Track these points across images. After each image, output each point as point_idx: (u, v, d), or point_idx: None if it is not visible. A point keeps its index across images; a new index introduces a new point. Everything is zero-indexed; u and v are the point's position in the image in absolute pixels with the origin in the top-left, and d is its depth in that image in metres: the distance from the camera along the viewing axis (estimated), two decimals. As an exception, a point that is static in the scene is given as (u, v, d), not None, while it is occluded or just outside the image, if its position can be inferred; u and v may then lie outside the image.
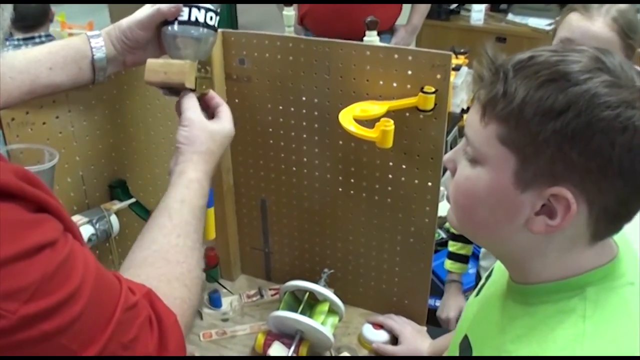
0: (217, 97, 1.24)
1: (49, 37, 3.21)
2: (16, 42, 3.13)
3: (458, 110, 2.59)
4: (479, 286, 1.16)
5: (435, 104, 1.31)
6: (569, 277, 0.86)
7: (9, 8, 0.77)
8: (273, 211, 1.68)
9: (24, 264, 0.63)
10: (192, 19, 1.15)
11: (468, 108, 2.64)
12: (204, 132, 1.14)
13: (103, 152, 1.34)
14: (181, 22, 1.15)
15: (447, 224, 2.42)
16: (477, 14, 4.88)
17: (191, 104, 1.17)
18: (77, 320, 0.68)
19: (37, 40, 3.14)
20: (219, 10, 1.19)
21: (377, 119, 1.28)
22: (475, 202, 0.87)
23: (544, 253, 0.86)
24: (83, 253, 0.73)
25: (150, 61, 1.17)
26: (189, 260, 1.00)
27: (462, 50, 2.97)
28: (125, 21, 1.18)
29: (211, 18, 1.18)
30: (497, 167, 0.82)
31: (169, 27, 1.16)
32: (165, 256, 0.97)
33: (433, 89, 1.29)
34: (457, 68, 2.69)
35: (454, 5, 5.01)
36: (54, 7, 3.34)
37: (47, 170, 1.05)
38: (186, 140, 1.13)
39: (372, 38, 2.41)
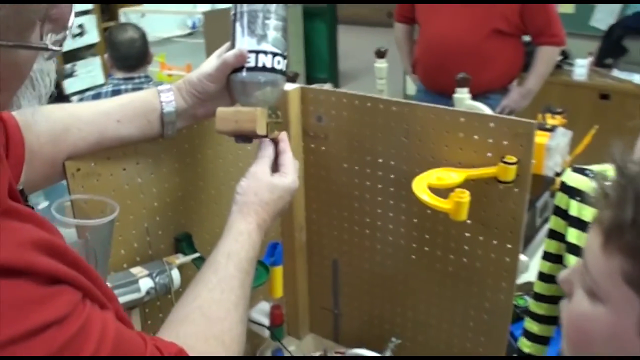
0: (281, 144, 1.21)
1: (147, 78, 3.29)
2: (116, 81, 3.24)
3: (551, 174, 2.47)
4: None
5: (517, 175, 1.24)
6: None
7: (52, 73, 0.75)
8: (344, 272, 1.63)
9: (25, 346, 0.61)
10: (260, 64, 1.14)
11: (562, 171, 2.53)
12: (261, 183, 1.12)
13: (170, 204, 1.33)
14: (249, 69, 1.14)
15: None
16: (581, 69, 4.74)
17: (262, 153, 1.16)
18: None
19: (137, 80, 3.23)
20: (286, 54, 1.17)
21: (453, 189, 1.22)
22: (591, 344, 0.74)
23: None
24: (102, 319, 0.71)
25: (221, 110, 1.16)
26: (231, 316, 0.97)
27: (558, 110, 2.85)
28: (195, 74, 1.17)
29: (279, 62, 1.16)
30: (619, 310, 0.69)
31: (237, 75, 1.15)
32: (207, 313, 0.95)
33: (514, 159, 1.22)
34: (552, 129, 2.58)
35: (557, 59, 4.88)
36: (153, 50, 3.43)
37: (105, 224, 1.04)
38: (241, 189, 1.12)
39: (462, 96, 2.35)
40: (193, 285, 1.00)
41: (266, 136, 1.16)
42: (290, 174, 1.16)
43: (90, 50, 5.85)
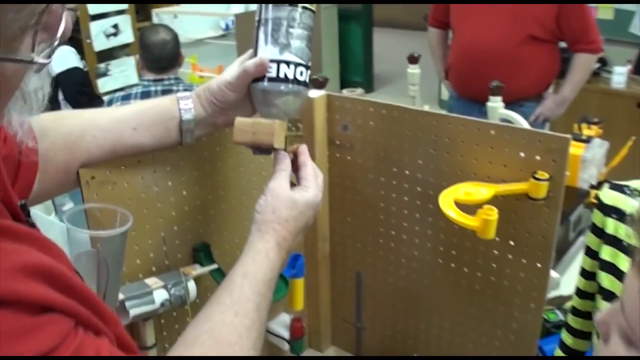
0: (302, 157, 1.15)
1: (177, 80, 3.28)
2: (146, 83, 3.23)
3: (586, 186, 2.40)
4: None
5: (549, 192, 1.18)
6: None
7: (46, 87, 0.72)
8: (368, 285, 1.59)
9: None
10: (281, 75, 1.09)
11: (599, 183, 2.45)
12: (280, 200, 1.06)
13: (188, 214, 1.29)
14: (270, 79, 1.09)
15: (566, 304, 2.23)
16: (619, 76, 4.64)
17: (279, 167, 1.10)
18: None
19: (166, 82, 3.22)
20: (310, 64, 1.12)
21: (481, 206, 1.17)
22: None
23: None
24: (95, 347, 0.67)
25: (239, 120, 1.12)
26: (243, 341, 0.93)
27: (595, 120, 2.77)
28: (215, 82, 1.13)
29: (301, 73, 1.11)
30: None
31: (258, 85, 1.11)
32: (217, 337, 0.91)
33: (547, 176, 1.17)
34: (588, 140, 2.50)
35: (595, 66, 4.78)
36: (185, 51, 3.41)
37: (118, 235, 1.00)
38: (260, 207, 1.06)
39: (495, 104, 2.30)
40: (207, 306, 0.96)
41: (285, 150, 1.12)
42: (312, 188, 1.10)
43: (124, 50, 5.86)
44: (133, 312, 1.14)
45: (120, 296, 1.12)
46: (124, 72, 5.54)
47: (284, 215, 1.05)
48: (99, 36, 5.57)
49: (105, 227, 1.08)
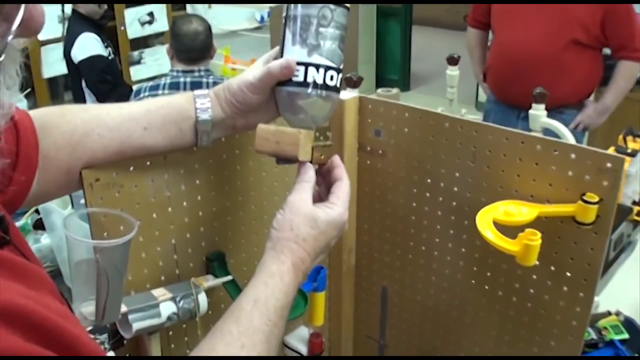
0: (337, 170, 1.04)
1: (208, 72, 3.20)
2: (175, 73, 3.15)
3: (629, 202, 2.28)
4: None
5: (597, 216, 1.07)
6: None
7: (15, 64, 0.63)
8: (394, 302, 1.49)
9: None
10: (309, 79, 0.98)
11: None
12: (299, 216, 0.95)
13: (203, 220, 1.20)
14: (297, 84, 0.99)
15: (599, 323, 2.12)
16: (664, 87, 4.46)
17: (302, 178, 1.00)
18: None
19: (196, 74, 3.15)
20: (341, 67, 1.01)
21: (522, 228, 1.07)
22: None
23: None
24: None
25: (261, 127, 1.01)
26: None
27: (640, 133, 2.65)
28: (236, 82, 1.02)
29: (332, 77, 1.00)
30: None
31: (283, 89, 1.00)
32: None
33: (596, 198, 1.06)
34: (632, 154, 2.38)
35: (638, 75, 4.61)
36: (217, 42, 3.33)
37: (120, 245, 0.91)
38: (277, 224, 0.96)
39: (538, 112, 2.18)
40: (211, 334, 0.86)
41: (310, 162, 1.02)
42: (339, 206, 0.99)
43: (159, 38, 5.85)
44: (136, 325, 1.05)
45: (124, 308, 1.03)
46: (157, 60, 5.51)
47: (303, 234, 0.94)
48: (133, 23, 5.55)
49: (110, 233, 1.00)
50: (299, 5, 0.98)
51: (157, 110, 1.01)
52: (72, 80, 4.39)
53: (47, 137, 0.93)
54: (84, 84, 4.20)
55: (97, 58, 4.07)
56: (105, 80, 4.11)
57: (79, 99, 4.27)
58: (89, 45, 4.06)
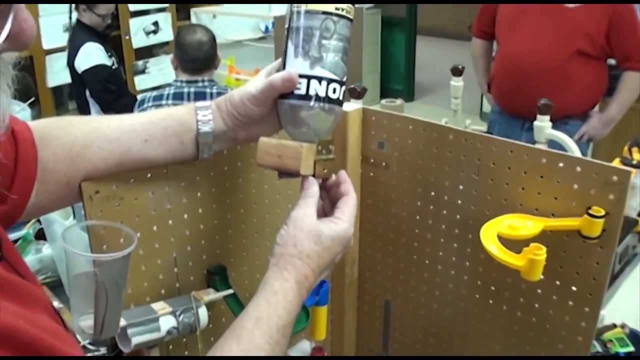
0: (344, 185, 1.03)
1: (212, 83, 3.19)
2: (179, 83, 3.14)
3: (634, 214, 2.26)
4: None
5: (604, 230, 1.06)
6: None
7: (7, 77, 0.62)
8: (397, 316, 1.47)
9: None
10: (312, 92, 0.97)
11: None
12: (303, 232, 0.93)
13: (204, 233, 1.19)
14: (299, 97, 0.97)
15: (604, 336, 2.11)
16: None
17: (306, 193, 0.98)
18: None
19: (200, 84, 3.14)
20: (344, 79, 1.00)
21: (527, 242, 1.05)
22: None
23: None
24: None
25: (263, 141, 1.00)
26: None
27: (647, 144, 2.63)
28: (237, 94, 1.01)
29: (334, 90, 0.98)
30: None
31: (285, 102, 0.99)
32: None
33: (602, 212, 1.04)
34: (638, 165, 2.36)
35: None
36: (222, 52, 3.33)
37: (119, 258, 0.90)
38: (281, 239, 0.94)
39: (542, 124, 2.16)
40: (212, 351, 0.85)
41: (313, 176, 1.00)
42: (344, 221, 0.97)
43: (163, 48, 5.85)
44: (135, 340, 1.04)
45: (123, 322, 1.02)
46: (161, 70, 5.52)
47: (307, 250, 0.92)
48: (138, 33, 5.56)
49: (109, 246, 0.99)
50: (302, 16, 0.96)
51: (158, 122, 1.00)
52: (75, 90, 4.39)
53: (46, 148, 0.92)
54: (88, 93, 4.20)
55: (100, 68, 4.07)
56: (109, 90, 4.11)
57: (83, 108, 4.27)
58: (92, 55, 4.06)
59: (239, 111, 1.00)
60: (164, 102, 3.09)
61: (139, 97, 3.34)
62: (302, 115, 0.98)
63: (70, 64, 4.20)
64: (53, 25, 4.88)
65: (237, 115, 1.01)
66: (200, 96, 3.08)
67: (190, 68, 3.16)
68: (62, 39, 4.81)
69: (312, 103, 0.97)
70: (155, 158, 1.00)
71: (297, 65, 0.97)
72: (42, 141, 0.92)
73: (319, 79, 0.97)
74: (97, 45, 4.11)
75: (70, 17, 4.60)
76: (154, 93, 3.18)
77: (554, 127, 2.37)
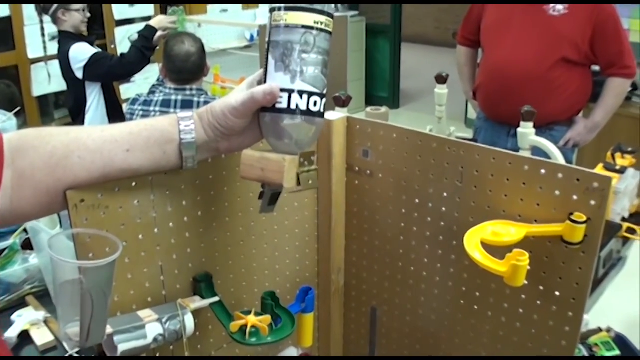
0: None
1: (200, 91, 3.20)
2: (167, 91, 3.14)
3: (618, 219, 2.28)
4: None
5: (586, 236, 1.07)
6: None
7: None
8: (383, 322, 1.48)
9: None
10: (292, 106, 0.98)
11: (631, 216, 2.34)
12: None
13: (190, 241, 1.19)
14: (280, 110, 0.98)
15: (590, 340, 2.12)
16: (652, 103, 4.50)
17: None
18: None
19: (188, 92, 3.15)
20: (325, 92, 1.01)
21: (510, 248, 1.06)
22: None
23: None
24: None
25: (246, 154, 1.02)
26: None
27: (629, 149, 2.64)
28: (219, 105, 1.01)
29: (315, 103, 0.99)
30: None
31: (266, 115, 1.00)
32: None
33: (584, 218, 1.06)
34: (622, 170, 2.38)
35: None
36: (208, 61, 3.32)
37: (103, 266, 0.90)
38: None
39: (526, 130, 2.18)
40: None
41: (298, 186, 1.01)
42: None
43: (149, 57, 5.82)
44: (122, 347, 1.04)
45: (109, 329, 1.02)
46: (147, 79, 5.49)
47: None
48: (123, 42, 5.54)
49: (95, 254, 0.99)
50: (281, 31, 0.98)
51: (139, 133, 1.00)
52: (74, 93, 4.28)
53: (23, 158, 0.92)
54: (89, 93, 4.12)
55: (97, 54, 4.02)
56: (119, 60, 4.06)
57: (79, 112, 4.19)
58: (85, 49, 4.00)
59: (220, 122, 1.01)
60: (151, 108, 3.09)
61: (125, 105, 3.33)
62: (284, 128, 0.99)
63: (65, 69, 4.12)
64: (38, 35, 4.87)
65: (219, 127, 1.01)
66: (187, 104, 3.08)
67: (177, 79, 3.16)
68: (48, 49, 4.79)
69: (293, 116, 0.98)
70: (139, 168, 1.00)
71: (278, 79, 0.98)
72: (19, 151, 0.93)
73: (300, 93, 0.98)
74: (84, 43, 4.06)
75: (43, 27, 4.58)
76: (144, 98, 3.17)
77: (540, 133, 2.38)
